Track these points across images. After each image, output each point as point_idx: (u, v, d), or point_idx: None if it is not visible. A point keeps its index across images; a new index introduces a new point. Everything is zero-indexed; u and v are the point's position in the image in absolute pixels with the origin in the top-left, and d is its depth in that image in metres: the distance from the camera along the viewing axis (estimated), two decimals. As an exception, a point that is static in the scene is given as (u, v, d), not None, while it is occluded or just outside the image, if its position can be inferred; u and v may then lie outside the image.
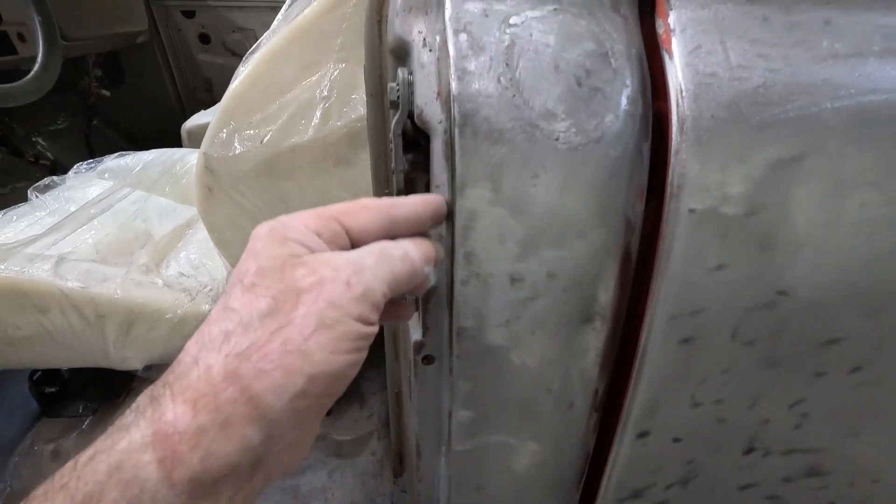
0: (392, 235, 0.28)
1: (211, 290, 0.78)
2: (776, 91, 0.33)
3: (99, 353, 0.73)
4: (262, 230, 0.26)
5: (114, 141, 2.14)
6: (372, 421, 0.86)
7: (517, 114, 0.31)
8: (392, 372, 0.59)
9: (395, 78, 0.39)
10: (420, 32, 0.34)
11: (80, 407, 0.89)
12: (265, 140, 0.57)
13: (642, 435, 0.43)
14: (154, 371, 0.74)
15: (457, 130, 0.30)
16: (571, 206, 0.33)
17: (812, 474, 0.49)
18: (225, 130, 0.58)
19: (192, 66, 2.20)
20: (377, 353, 0.99)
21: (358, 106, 0.58)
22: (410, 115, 0.36)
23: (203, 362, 0.22)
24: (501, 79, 0.31)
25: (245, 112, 0.58)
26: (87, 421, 0.87)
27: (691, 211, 0.34)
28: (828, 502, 0.52)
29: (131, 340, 0.72)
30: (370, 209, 0.28)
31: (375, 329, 0.25)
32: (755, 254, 0.35)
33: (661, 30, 0.34)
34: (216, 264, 0.88)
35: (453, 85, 0.30)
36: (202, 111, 1.80)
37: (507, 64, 0.31)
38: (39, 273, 0.68)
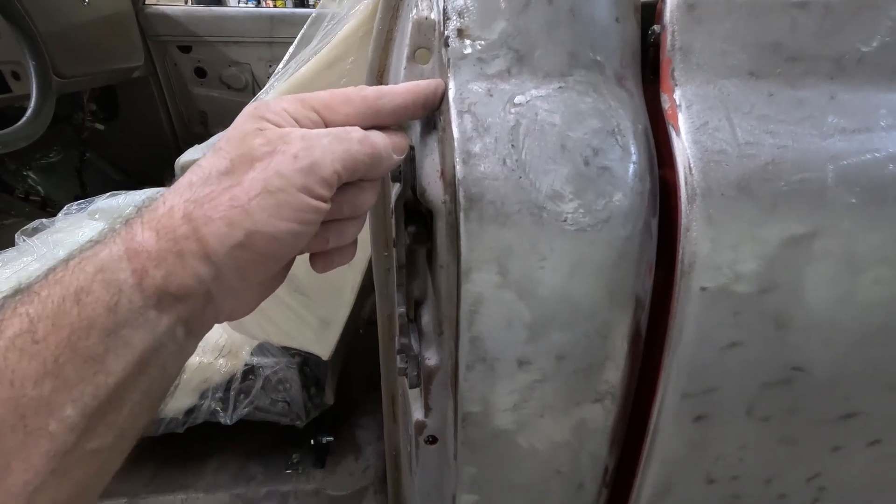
0: (376, 127, 0.30)
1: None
2: (785, 168, 0.32)
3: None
4: (248, 108, 0.28)
5: (107, 175, 2.12)
6: (368, 475, 0.83)
7: (524, 196, 0.30)
8: (390, 435, 0.56)
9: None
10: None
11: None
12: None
13: (655, 513, 0.41)
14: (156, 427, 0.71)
15: (462, 215, 0.29)
16: (580, 289, 0.32)
17: (831, 547, 0.46)
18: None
19: (188, 99, 2.20)
20: (372, 399, 0.96)
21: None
22: (413, 190, 0.35)
23: (168, 202, 0.25)
24: (507, 160, 0.30)
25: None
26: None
27: (703, 289, 0.32)
28: (847, 574, 0.49)
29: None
30: (354, 103, 0.29)
31: (322, 205, 0.27)
32: (770, 332, 0.34)
33: (666, 105, 0.34)
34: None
35: (458, 168, 0.29)
36: (196, 146, 1.80)
37: (512, 145, 0.30)
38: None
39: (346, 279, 0.63)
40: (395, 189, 0.36)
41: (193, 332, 0.27)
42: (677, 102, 0.33)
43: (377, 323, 0.51)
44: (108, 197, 1.15)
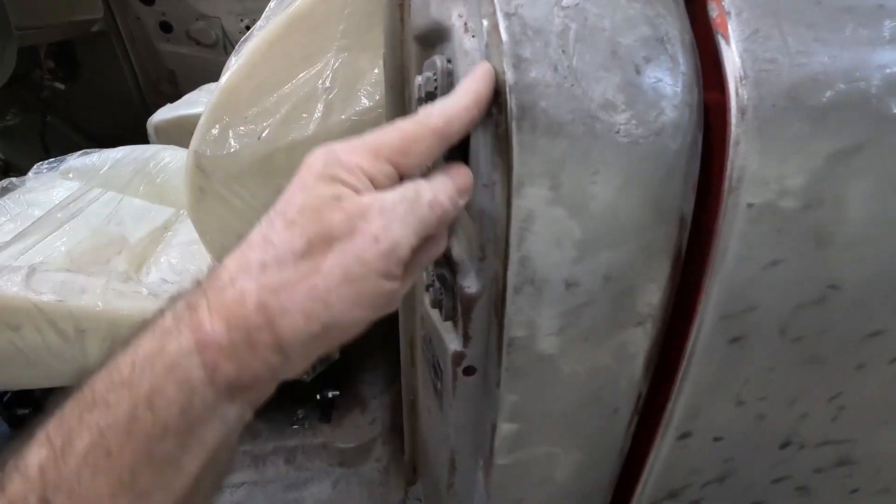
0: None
1: (200, 297, 0.72)
2: (836, 78, 0.31)
3: (78, 371, 0.67)
4: (317, 163, 0.26)
5: (71, 139, 2.01)
6: (375, 426, 0.83)
7: (576, 105, 0.28)
8: (408, 378, 0.56)
9: (420, 68, 0.36)
10: (460, 16, 0.31)
11: (57, 427, 0.81)
12: (263, 136, 0.53)
13: (684, 436, 0.42)
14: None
15: (514, 124, 0.27)
16: (629, 204, 0.30)
17: (842, 464, 0.48)
18: (217, 127, 0.53)
19: (154, 56, 2.08)
20: (376, 354, 0.95)
21: (362, 98, 0.54)
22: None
23: (239, 285, 0.24)
24: (558, 66, 0.28)
25: (239, 106, 0.53)
26: (66, 442, 0.80)
27: (749, 206, 0.32)
28: (852, 489, 0.52)
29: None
30: (425, 140, 0.27)
31: (397, 285, 0.26)
32: (810, 248, 0.34)
33: (714, 13, 0.32)
34: (200, 268, 0.82)
35: (509, 74, 0.27)
36: (168, 105, 1.70)
37: (563, 50, 0.28)
38: (8, 286, 0.61)
39: (354, 226, 0.61)
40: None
41: (256, 406, 0.27)
42: (726, 10, 0.32)
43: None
44: (80, 155, 1.08)
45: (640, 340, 0.36)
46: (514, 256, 0.30)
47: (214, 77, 0.63)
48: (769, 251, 0.34)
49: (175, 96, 1.66)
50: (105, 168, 1.03)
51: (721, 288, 0.34)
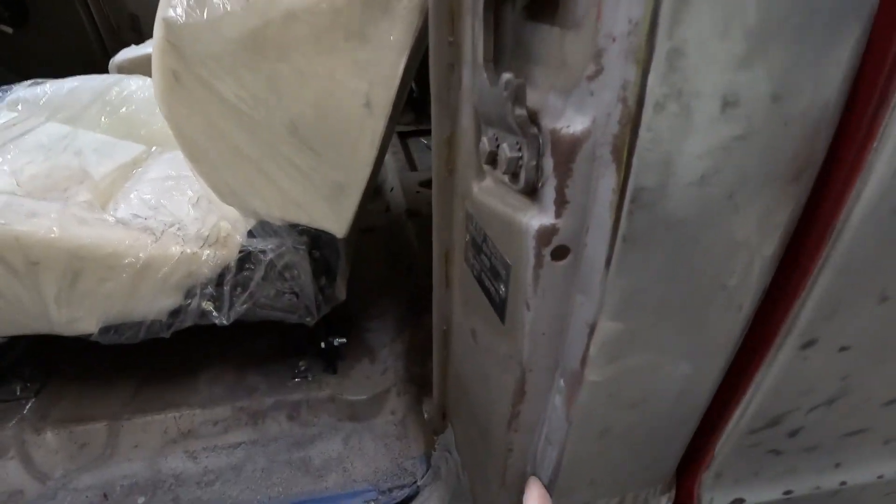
0: None
1: (179, 229, 0.61)
2: None
3: (36, 315, 0.56)
4: None
5: (23, 88, 1.81)
6: (388, 377, 0.74)
7: None
8: (441, 304, 0.46)
9: None
10: None
11: (18, 388, 0.70)
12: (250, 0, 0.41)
13: (808, 345, 0.34)
14: (113, 334, 0.57)
15: None
16: (824, -23, 0.21)
17: (964, 380, 0.41)
18: (193, -15, 0.41)
19: (113, 0, 1.89)
20: (382, 300, 0.85)
21: (377, -48, 0.43)
22: None
23: None
24: None
25: (220, -43, 0.41)
26: (30, 405, 0.69)
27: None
28: (962, 412, 0.45)
29: (79, 295, 0.55)
30: None
31: None
32: None
33: None
34: (177, 204, 0.71)
35: None
36: (133, 46, 1.53)
37: None
38: (-63, 213, 0.49)
39: (366, 127, 0.50)
40: None
41: None
42: None
43: (432, 149, 0.39)
44: (30, 85, 0.93)
45: (787, 207, 0.27)
46: (662, 47, 0.20)
47: None
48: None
49: (139, 42, 1.50)
50: (60, 97, 0.89)
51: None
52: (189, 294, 0.61)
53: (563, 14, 0.24)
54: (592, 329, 0.27)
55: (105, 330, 0.59)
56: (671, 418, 0.36)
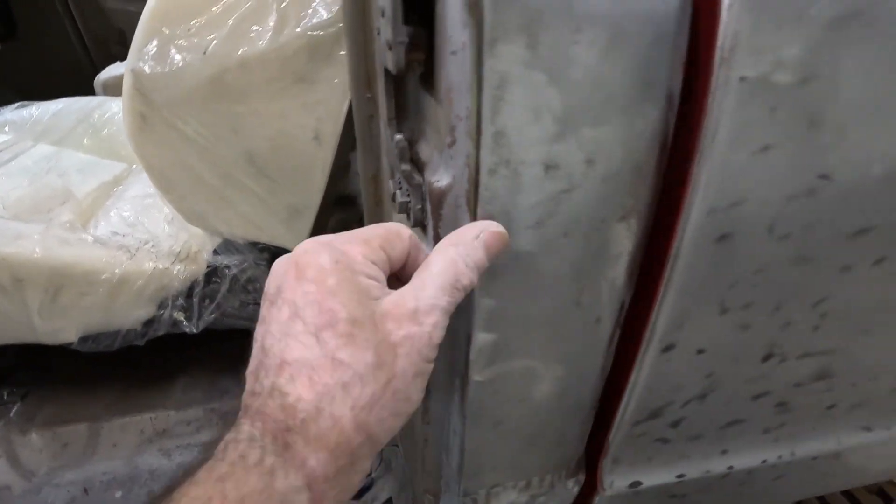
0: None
1: (153, 246, 0.67)
2: (834, -66, 0.28)
3: (21, 326, 0.62)
4: (324, 260, 0.26)
5: (11, 102, 1.86)
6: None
7: (556, -51, 0.25)
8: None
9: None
10: None
11: (5, 393, 0.76)
12: (209, 50, 0.47)
13: (668, 349, 0.40)
14: (91, 342, 0.64)
15: (485, -33, 0.24)
16: (614, 73, 0.27)
17: (821, 377, 0.48)
18: (156, 40, 0.48)
19: (100, 15, 1.93)
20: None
21: (319, 9, 0.49)
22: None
23: (328, 412, 0.24)
24: None
25: (181, 16, 0.47)
26: (15, 408, 0.75)
27: (742, 79, 0.29)
28: (829, 405, 0.52)
29: (60, 308, 0.61)
30: (405, 243, 0.30)
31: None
32: (803, 131, 0.32)
33: None
34: (155, 221, 0.77)
35: None
36: (119, 62, 1.59)
37: None
38: (-71, 235, 0.55)
39: (316, 158, 0.57)
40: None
41: None
42: None
43: (361, 185, 0.46)
44: (17, 107, 0.99)
45: (623, 239, 0.33)
46: (487, 131, 0.26)
47: None
48: (761, 134, 0.31)
49: (126, 57, 1.54)
50: (45, 120, 0.95)
51: (710, 177, 0.32)
52: (162, 305, 0.67)
53: (436, 92, 0.31)
54: (469, 339, 0.34)
55: (84, 339, 0.65)
56: (558, 412, 0.42)
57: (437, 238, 0.32)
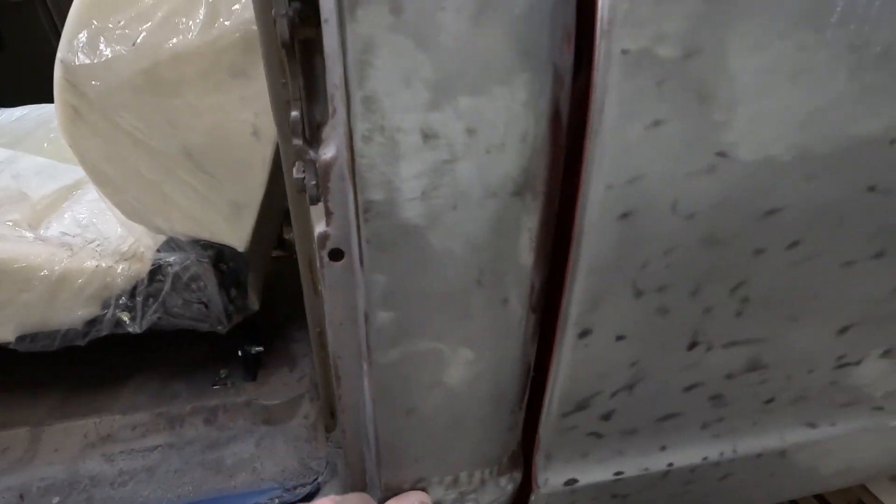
0: None
1: (99, 244, 0.67)
2: (709, -90, 0.29)
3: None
4: None
5: (-6, 113, 1.87)
6: (303, 383, 0.79)
7: (416, -86, 0.25)
8: (312, 308, 0.52)
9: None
10: None
11: (-52, 400, 0.74)
12: (138, 41, 0.48)
13: (584, 334, 0.40)
14: (30, 342, 0.62)
15: (340, -71, 0.24)
16: (488, 41, 0.27)
17: (753, 368, 0.47)
18: (85, 32, 0.48)
19: (85, 29, 1.95)
20: (304, 313, 0.90)
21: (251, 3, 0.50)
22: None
23: None
24: None
25: (111, 8, 0.48)
26: (-43, 415, 0.73)
27: (624, 52, 0.29)
28: (767, 399, 0.51)
29: (-3, 306, 0.60)
30: None
31: None
32: (693, 106, 0.32)
33: None
34: (107, 222, 0.76)
35: None
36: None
37: None
38: None
39: (256, 152, 0.57)
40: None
41: None
42: None
43: (284, 173, 0.46)
44: (-19, 113, 0.99)
45: (520, 214, 0.33)
46: (356, 96, 0.26)
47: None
48: (651, 108, 0.31)
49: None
50: (6, 125, 0.95)
51: (603, 151, 0.32)
52: (105, 305, 0.66)
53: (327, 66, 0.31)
54: (367, 318, 0.33)
55: (21, 338, 0.64)
56: (477, 401, 0.41)
57: (328, 213, 0.32)
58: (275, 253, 1.03)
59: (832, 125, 0.35)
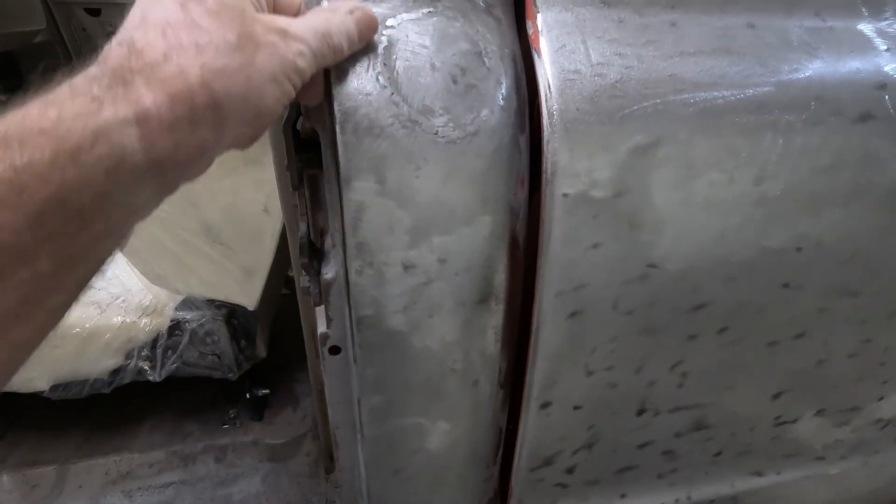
0: None
1: (124, 300, 0.74)
2: (631, 85, 0.37)
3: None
4: None
5: (13, 149, 1.96)
6: (306, 422, 0.85)
7: (396, 111, 0.33)
8: (314, 369, 0.59)
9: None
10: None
11: (-19, 438, 0.81)
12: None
13: (545, 406, 0.47)
14: (62, 390, 0.70)
15: (338, 127, 0.32)
16: (455, 196, 0.35)
17: (698, 428, 0.54)
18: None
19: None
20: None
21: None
22: (299, 113, 0.37)
23: (176, 62, 0.24)
24: (380, 78, 0.33)
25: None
26: (-8, 452, 0.80)
27: (565, 195, 0.37)
28: (715, 452, 0.58)
29: (34, 359, 0.67)
30: None
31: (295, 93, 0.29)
32: (625, 232, 0.39)
33: (530, 31, 0.38)
34: (130, 274, 0.84)
35: (332, 84, 0.32)
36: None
37: (384, 64, 0.33)
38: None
39: (266, 226, 0.64)
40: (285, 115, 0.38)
41: (178, 187, 0.28)
42: (539, 28, 0.37)
43: (294, 270, 0.53)
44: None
45: (486, 317, 0.40)
46: (350, 242, 0.34)
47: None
48: (589, 235, 0.39)
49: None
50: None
51: (552, 268, 0.39)
52: (128, 356, 0.73)
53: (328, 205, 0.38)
54: (360, 401, 0.41)
55: (55, 387, 0.71)
56: (455, 461, 0.48)
57: (328, 319, 0.39)
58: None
59: (744, 240, 0.42)
